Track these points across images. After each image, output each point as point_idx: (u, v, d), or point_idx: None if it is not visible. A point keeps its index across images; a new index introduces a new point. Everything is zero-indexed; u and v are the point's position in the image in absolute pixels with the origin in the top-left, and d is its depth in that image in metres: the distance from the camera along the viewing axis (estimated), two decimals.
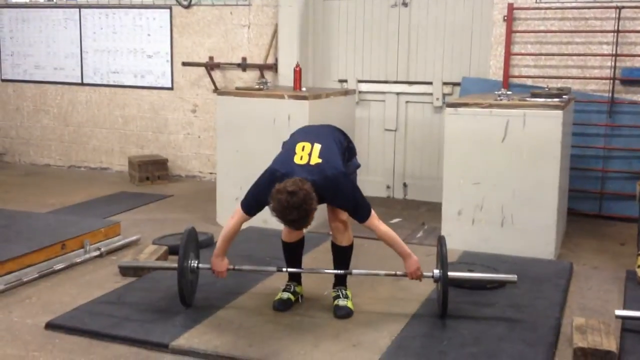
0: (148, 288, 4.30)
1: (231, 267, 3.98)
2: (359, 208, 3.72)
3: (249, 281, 4.39)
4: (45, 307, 4.02)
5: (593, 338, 3.43)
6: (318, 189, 3.54)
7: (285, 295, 4.05)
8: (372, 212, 3.75)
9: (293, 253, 4.10)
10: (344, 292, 3.98)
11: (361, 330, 3.70)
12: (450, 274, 3.77)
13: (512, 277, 3.97)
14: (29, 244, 4.66)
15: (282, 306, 3.98)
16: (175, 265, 3.88)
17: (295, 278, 4.14)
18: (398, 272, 3.91)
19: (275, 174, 3.62)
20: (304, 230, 3.94)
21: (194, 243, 4.08)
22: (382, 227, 3.78)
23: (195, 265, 3.99)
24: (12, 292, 4.23)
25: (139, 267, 4.52)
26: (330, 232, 4.01)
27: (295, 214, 3.40)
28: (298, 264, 4.12)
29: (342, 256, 3.99)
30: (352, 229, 3.96)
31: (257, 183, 3.73)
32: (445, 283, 3.73)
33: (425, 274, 3.85)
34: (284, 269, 4.05)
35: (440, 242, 3.87)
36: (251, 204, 3.74)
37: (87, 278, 4.55)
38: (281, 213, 3.42)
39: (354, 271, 3.98)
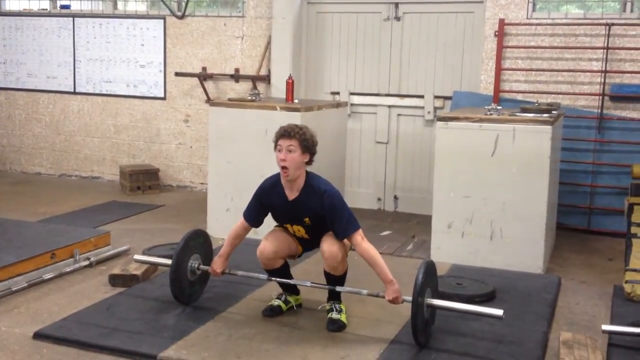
0: (137, 298, 4.30)
1: (227, 271, 4.13)
2: (345, 217, 3.79)
3: (241, 291, 4.41)
4: (34, 316, 4.01)
5: (580, 353, 3.46)
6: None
7: (276, 302, 4.10)
8: (360, 230, 3.81)
9: (279, 275, 4.09)
10: (337, 306, 3.98)
11: (350, 343, 3.71)
12: (433, 301, 3.70)
13: (498, 311, 3.66)
14: (19, 252, 4.66)
15: (270, 312, 4.05)
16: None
17: (287, 288, 4.15)
18: (380, 294, 3.82)
19: (264, 182, 3.99)
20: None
21: (202, 246, 4.23)
22: (364, 245, 3.78)
23: (196, 265, 4.16)
24: (0, 302, 4.22)
25: (151, 263, 4.59)
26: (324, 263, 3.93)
27: (292, 126, 3.77)
28: (288, 278, 4.13)
29: (336, 280, 3.98)
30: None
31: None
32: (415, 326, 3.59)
33: (405, 298, 3.69)
34: (274, 278, 4.09)
35: (419, 271, 3.65)
36: (247, 207, 4.02)
37: (76, 288, 4.55)
38: (282, 127, 3.79)
39: (338, 288, 3.95)
